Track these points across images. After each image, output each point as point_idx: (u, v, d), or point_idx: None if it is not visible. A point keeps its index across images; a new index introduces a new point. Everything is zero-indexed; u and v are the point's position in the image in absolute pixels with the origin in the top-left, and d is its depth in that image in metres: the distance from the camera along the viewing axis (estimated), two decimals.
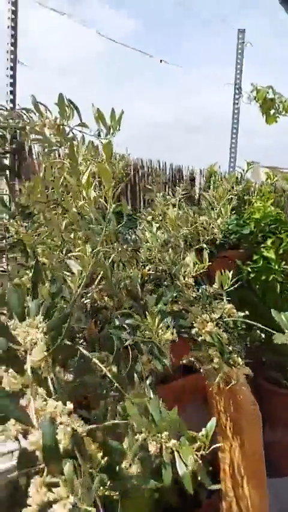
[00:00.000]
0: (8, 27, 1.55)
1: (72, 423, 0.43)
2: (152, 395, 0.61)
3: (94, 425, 0.52)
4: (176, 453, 0.52)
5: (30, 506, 0.33)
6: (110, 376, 0.58)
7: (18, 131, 0.92)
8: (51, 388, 0.47)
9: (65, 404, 0.39)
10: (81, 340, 0.96)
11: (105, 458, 0.50)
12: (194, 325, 0.82)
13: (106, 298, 0.95)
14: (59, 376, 0.49)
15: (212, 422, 0.53)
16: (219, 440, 1.36)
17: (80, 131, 0.77)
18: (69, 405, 0.39)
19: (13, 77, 1.57)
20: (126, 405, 0.53)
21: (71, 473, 0.35)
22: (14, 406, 0.37)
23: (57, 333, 0.51)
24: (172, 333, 0.68)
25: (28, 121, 0.76)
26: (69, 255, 0.70)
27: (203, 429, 0.52)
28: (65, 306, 0.81)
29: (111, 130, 0.76)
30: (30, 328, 0.49)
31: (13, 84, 1.57)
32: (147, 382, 0.77)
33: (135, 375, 0.72)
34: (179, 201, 1.23)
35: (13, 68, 1.57)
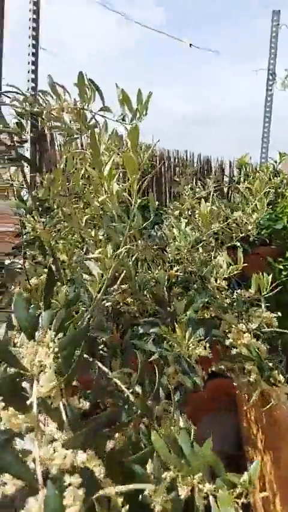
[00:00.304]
0: (30, 10, 1.47)
1: (88, 462, 0.35)
2: (181, 422, 0.52)
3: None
4: (211, 497, 0.44)
5: None
6: (133, 399, 0.49)
7: (38, 118, 0.84)
8: (64, 418, 0.39)
9: (82, 448, 0.31)
10: (101, 346, 0.89)
11: (126, 507, 0.42)
12: (228, 335, 0.73)
13: (129, 300, 0.87)
14: (72, 404, 0.41)
15: (256, 465, 0.44)
16: (248, 451, 1.26)
17: (102, 116, 0.69)
18: (82, 455, 0.31)
19: (34, 63, 1.50)
20: (152, 437, 0.45)
21: None
22: (12, 457, 0.29)
23: (72, 351, 0.43)
24: (205, 348, 0.59)
25: (44, 105, 0.68)
26: (88, 256, 0.62)
27: (245, 473, 0.43)
28: (83, 310, 0.73)
29: (138, 115, 0.67)
30: (40, 347, 0.41)
31: (35, 71, 1.50)
32: (175, 398, 0.69)
33: (161, 391, 0.64)
34: (210, 194, 1.12)
35: (35, 54, 1.49)
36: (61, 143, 1.69)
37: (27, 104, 0.72)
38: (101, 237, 0.76)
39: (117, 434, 0.47)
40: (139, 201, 0.60)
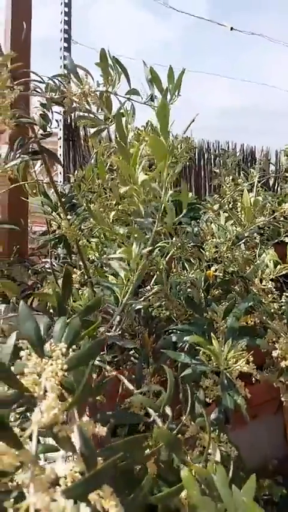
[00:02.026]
0: (61, 3, 1.44)
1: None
2: (218, 456, 0.44)
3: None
4: None
5: None
6: (160, 424, 0.42)
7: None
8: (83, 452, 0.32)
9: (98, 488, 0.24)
10: (132, 352, 0.82)
11: None
12: (276, 345, 0.63)
13: (161, 304, 0.80)
14: (84, 432, 0.34)
15: None
16: None
17: (129, 99, 0.62)
18: (86, 509, 0.24)
19: (68, 58, 1.46)
20: (183, 475, 0.37)
21: None
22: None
23: (82, 370, 0.36)
24: (248, 362, 0.50)
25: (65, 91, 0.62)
26: (110, 256, 0.56)
27: None
28: (101, 318, 0.67)
29: (169, 96, 0.59)
30: (49, 364, 0.35)
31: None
32: (212, 417, 0.60)
33: (196, 405, 0.56)
34: (253, 186, 1.02)
35: (67, 49, 1.46)
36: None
37: (48, 92, 0.67)
38: (130, 234, 0.69)
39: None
40: (171, 192, 0.52)
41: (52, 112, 0.75)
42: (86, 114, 0.70)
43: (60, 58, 1.45)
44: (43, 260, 1.08)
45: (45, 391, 0.33)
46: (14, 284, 0.90)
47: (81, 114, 0.70)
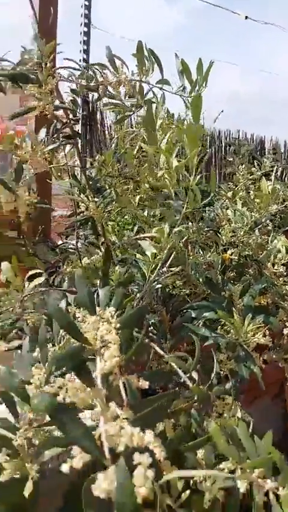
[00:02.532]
0: None
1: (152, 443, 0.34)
2: (239, 413, 0.50)
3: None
4: (271, 494, 0.41)
5: None
6: (191, 386, 0.48)
7: (88, 97, 0.82)
8: (130, 400, 0.38)
9: (144, 428, 0.30)
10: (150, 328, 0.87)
11: (187, 492, 0.40)
12: (287, 324, 0.69)
13: (179, 283, 0.85)
14: (132, 384, 0.40)
15: None
16: None
17: (161, 89, 0.66)
18: (150, 436, 0.29)
19: (86, 42, 1.48)
20: (210, 428, 0.43)
21: None
22: (82, 432, 0.28)
23: (132, 328, 0.42)
24: (264, 335, 0.56)
25: (101, 79, 0.66)
26: (142, 235, 0.61)
27: None
28: (135, 290, 0.72)
29: (197, 87, 0.63)
30: (101, 324, 0.40)
31: (86, 51, 1.48)
32: (227, 386, 0.66)
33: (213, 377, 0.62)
34: (272, 172, 1.06)
35: (87, 33, 1.47)
36: (111, 124, 1.67)
37: (82, 79, 0.71)
38: (154, 217, 0.74)
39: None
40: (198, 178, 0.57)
41: (80, 98, 0.78)
42: (115, 101, 0.74)
43: (80, 42, 1.47)
44: (64, 240, 1.13)
45: (102, 346, 0.38)
46: (40, 261, 0.95)
47: (110, 100, 0.74)
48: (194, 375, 0.51)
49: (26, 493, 0.45)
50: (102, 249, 0.97)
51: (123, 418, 0.33)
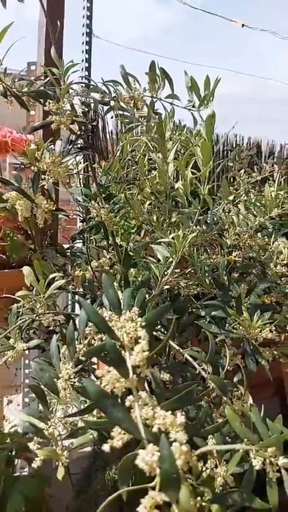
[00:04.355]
0: None
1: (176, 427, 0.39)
2: (251, 401, 0.54)
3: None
4: (283, 470, 0.46)
5: None
6: (206, 376, 0.52)
7: (92, 109, 0.87)
8: (155, 390, 0.42)
9: (174, 413, 0.34)
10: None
11: (207, 470, 0.45)
12: None
13: (183, 284, 0.90)
14: (156, 376, 0.45)
15: None
16: None
17: (170, 103, 0.70)
18: (181, 417, 0.34)
19: (88, 52, 1.53)
20: (226, 412, 0.47)
21: (187, 499, 0.30)
22: (123, 414, 0.33)
23: (153, 328, 0.46)
24: (271, 331, 0.61)
25: (114, 95, 0.71)
26: (160, 240, 0.65)
27: None
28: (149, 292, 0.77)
29: (205, 101, 0.68)
30: (126, 322, 0.45)
31: (88, 60, 1.53)
32: (235, 379, 0.71)
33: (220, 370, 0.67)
34: (265, 179, 1.11)
35: (88, 43, 1.52)
36: (112, 131, 1.72)
37: (95, 93, 0.75)
38: (164, 222, 0.78)
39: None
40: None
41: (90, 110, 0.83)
42: (125, 113, 0.78)
43: (82, 52, 1.51)
44: (71, 245, 1.17)
45: (131, 341, 0.43)
46: (49, 265, 1.00)
47: (120, 112, 0.79)
48: (206, 368, 0.56)
49: (60, 476, 0.49)
50: (110, 252, 1.02)
51: (153, 404, 0.37)
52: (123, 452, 0.35)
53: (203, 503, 0.47)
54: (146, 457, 0.30)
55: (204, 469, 0.45)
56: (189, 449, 0.35)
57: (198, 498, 0.47)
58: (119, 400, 0.36)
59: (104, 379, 0.36)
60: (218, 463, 0.55)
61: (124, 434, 0.34)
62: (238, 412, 0.51)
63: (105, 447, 0.35)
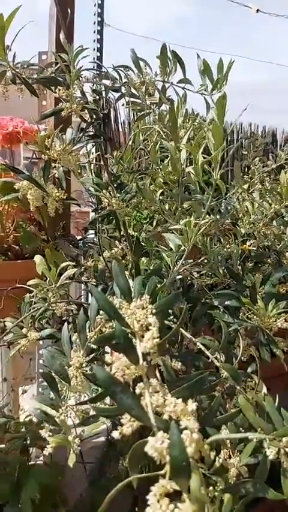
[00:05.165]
0: None
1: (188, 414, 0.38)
2: (265, 390, 0.53)
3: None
4: None
5: None
6: (219, 365, 0.51)
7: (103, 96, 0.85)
8: (166, 377, 0.42)
9: (185, 401, 0.34)
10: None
11: (221, 455, 0.44)
12: None
13: (196, 275, 0.88)
14: (167, 364, 0.44)
15: None
16: None
17: (182, 88, 0.69)
18: (192, 405, 0.33)
19: (100, 41, 1.51)
20: (240, 401, 0.46)
21: (198, 488, 0.29)
22: (132, 401, 0.32)
23: (164, 315, 0.46)
24: (286, 320, 0.59)
25: (125, 80, 0.69)
26: (171, 227, 0.64)
27: None
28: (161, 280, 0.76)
29: (219, 85, 0.66)
30: (137, 309, 0.44)
31: (100, 49, 1.51)
32: (249, 370, 0.70)
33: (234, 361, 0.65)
34: (280, 167, 1.08)
35: (100, 32, 1.50)
36: (124, 121, 1.71)
37: (106, 80, 0.74)
38: (177, 210, 0.77)
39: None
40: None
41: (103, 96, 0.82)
42: (137, 100, 0.77)
43: (94, 41, 1.50)
44: (83, 236, 1.17)
45: (141, 329, 0.42)
46: (62, 255, 1.00)
47: (131, 99, 0.78)
48: (219, 357, 0.55)
49: (71, 463, 0.49)
50: (122, 243, 1.01)
51: (164, 391, 0.37)
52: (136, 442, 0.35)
53: (215, 493, 0.46)
54: (156, 444, 0.29)
55: (217, 459, 0.44)
56: (201, 437, 0.35)
57: (211, 488, 0.47)
58: (130, 388, 0.35)
59: (113, 365, 0.35)
60: (231, 453, 0.54)
61: (134, 421, 0.34)
62: (252, 401, 0.49)
63: (115, 434, 0.35)
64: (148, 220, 1.31)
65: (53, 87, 0.66)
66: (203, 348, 0.53)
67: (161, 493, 0.30)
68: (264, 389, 0.53)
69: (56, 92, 0.66)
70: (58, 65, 0.70)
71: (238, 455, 0.51)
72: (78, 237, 1.24)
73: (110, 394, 0.33)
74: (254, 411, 0.47)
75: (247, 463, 0.51)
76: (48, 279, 0.70)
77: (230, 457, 0.53)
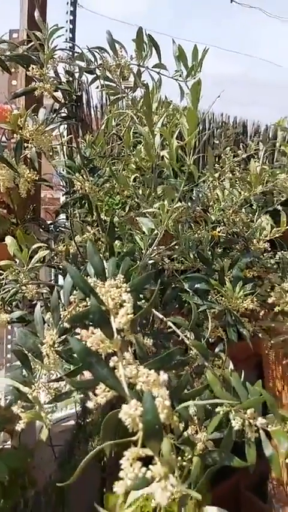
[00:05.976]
0: None
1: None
2: (231, 367, 0.56)
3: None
4: (261, 432, 0.48)
5: (122, 479, 0.31)
6: (188, 343, 0.54)
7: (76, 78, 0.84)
8: (138, 354, 0.43)
9: (157, 372, 0.35)
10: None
11: (188, 431, 0.47)
12: (271, 294, 0.76)
13: (167, 259, 0.90)
14: (140, 341, 0.46)
15: None
16: None
17: (157, 73, 0.69)
18: (164, 375, 0.35)
19: (73, 22, 1.47)
20: (207, 376, 0.49)
21: (168, 452, 0.31)
22: (107, 372, 0.33)
23: (138, 294, 0.47)
24: (252, 301, 0.62)
25: (100, 62, 0.69)
26: (144, 210, 0.65)
27: None
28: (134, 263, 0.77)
29: (193, 72, 0.67)
30: (112, 288, 0.45)
31: (73, 30, 1.47)
32: (216, 349, 0.73)
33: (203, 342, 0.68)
34: (260, 155, 1.12)
35: (73, 13, 1.46)
36: (96, 105, 1.68)
37: (81, 61, 0.73)
38: (150, 196, 0.78)
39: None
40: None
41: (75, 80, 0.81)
42: (111, 83, 0.76)
43: (66, 22, 1.45)
44: (54, 220, 1.16)
45: (115, 306, 0.43)
46: (33, 238, 0.98)
47: (105, 83, 0.77)
48: (191, 335, 0.57)
49: (43, 437, 0.50)
50: (95, 227, 1.01)
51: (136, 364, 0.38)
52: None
53: (184, 463, 0.49)
54: (130, 411, 0.31)
55: (185, 432, 0.47)
56: (171, 407, 0.36)
57: (179, 458, 0.49)
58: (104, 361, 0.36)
59: (88, 340, 0.36)
60: (198, 429, 0.57)
61: (108, 391, 0.35)
62: (219, 377, 0.52)
63: (89, 404, 0.36)
64: (120, 205, 1.32)
65: (25, 66, 0.64)
66: (173, 327, 0.55)
67: (133, 458, 0.32)
68: (231, 366, 0.56)
69: (29, 71, 0.64)
70: (31, 43, 0.68)
71: (205, 431, 0.54)
72: (49, 222, 1.22)
73: (85, 365, 0.34)
74: (221, 386, 0.50)
75: (213, 438, 0.54)
76: (18, 261, 0.69)
77: (196, 433, 0.56)
